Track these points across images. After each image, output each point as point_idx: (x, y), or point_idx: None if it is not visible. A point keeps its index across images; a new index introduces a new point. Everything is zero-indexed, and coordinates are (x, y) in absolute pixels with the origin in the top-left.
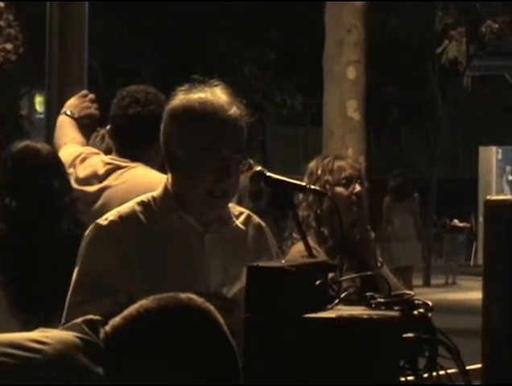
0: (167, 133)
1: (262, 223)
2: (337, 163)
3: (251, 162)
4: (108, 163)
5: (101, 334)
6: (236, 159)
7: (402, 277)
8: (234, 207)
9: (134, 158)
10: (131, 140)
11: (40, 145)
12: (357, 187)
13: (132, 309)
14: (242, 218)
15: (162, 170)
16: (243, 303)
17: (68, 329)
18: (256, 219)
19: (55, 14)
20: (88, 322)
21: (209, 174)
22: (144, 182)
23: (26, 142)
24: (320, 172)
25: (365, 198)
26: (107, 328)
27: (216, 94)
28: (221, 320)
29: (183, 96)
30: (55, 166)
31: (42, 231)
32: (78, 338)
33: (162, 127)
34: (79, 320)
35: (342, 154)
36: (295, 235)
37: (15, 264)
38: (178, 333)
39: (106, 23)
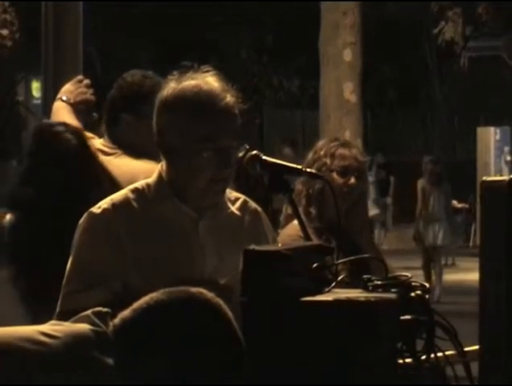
0: (162, 124)
1: (259, 209)
2: (341, 150)
3: (247, 147)
4: (98, 150)
5: (110, 327)
6: (234, 147)
7: (437, 257)
8: (230, 193)
9: (119, 143)
10: (106, 124)
11: (70, 135)
12: (352, 180)
13: (142, 301)
14: (238, 204)
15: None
16: (239, 289)
17: (78, 321)
18: (252, 204)
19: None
20: (98, 314)
21: (209, 164)
22: (127, 172)
23: (56, 128)
24: (321, 153)
25: (357, 190)
26: (116, 320)
27: (210, 82)
28: (231, 315)
29: (175, 86)
30: (80, 160)
31: (54, 224)
32: (90, 330)
33: (154, 117)
34: (88, 312)
35: (351, 143)
36: (287, 213)
37: (26, 256)
38: (187, 326)
39: (103, 9)
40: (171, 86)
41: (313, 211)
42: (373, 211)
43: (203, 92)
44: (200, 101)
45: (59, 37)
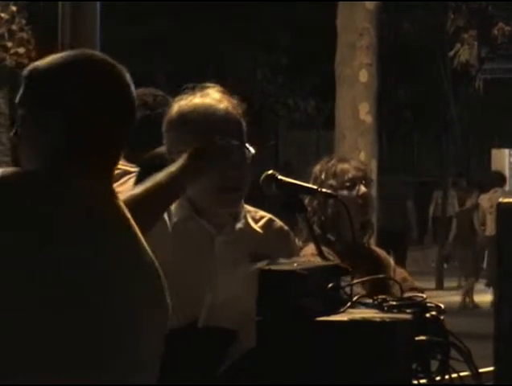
0: (169, 143)
1: (285, 228)
2: (340, 166)
3: (253, 151)
4: (130, 172)
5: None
6: (234, 147)
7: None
8: (256, 212)
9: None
10: (138, 144)
11: None
12: (362, 189)
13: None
14: (262, 222)
15: None
16: (253, 307)
17: None
18: (278, 223)
19: (66, 18)
20: None
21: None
22: None
23: None
24: (323, 176)
25: (371, 198)
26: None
27: (208, 94)
28: (128, 79)
29: (176, 105)
30: None
31: None
32: None
33: (164, 138)
34: None
35: (346, 156)
36: (305, 236)
37: None
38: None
39: (118, 28)
40: (174, 107)
41: (331, 236)
42: None
43: (198, 103)
44: (195, 110)
45: None
